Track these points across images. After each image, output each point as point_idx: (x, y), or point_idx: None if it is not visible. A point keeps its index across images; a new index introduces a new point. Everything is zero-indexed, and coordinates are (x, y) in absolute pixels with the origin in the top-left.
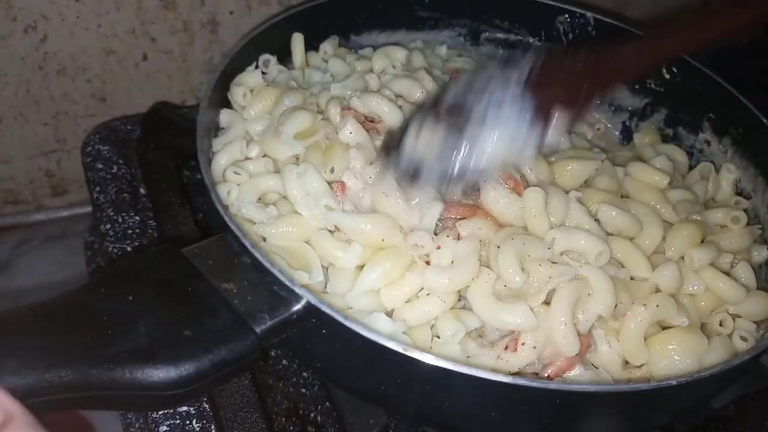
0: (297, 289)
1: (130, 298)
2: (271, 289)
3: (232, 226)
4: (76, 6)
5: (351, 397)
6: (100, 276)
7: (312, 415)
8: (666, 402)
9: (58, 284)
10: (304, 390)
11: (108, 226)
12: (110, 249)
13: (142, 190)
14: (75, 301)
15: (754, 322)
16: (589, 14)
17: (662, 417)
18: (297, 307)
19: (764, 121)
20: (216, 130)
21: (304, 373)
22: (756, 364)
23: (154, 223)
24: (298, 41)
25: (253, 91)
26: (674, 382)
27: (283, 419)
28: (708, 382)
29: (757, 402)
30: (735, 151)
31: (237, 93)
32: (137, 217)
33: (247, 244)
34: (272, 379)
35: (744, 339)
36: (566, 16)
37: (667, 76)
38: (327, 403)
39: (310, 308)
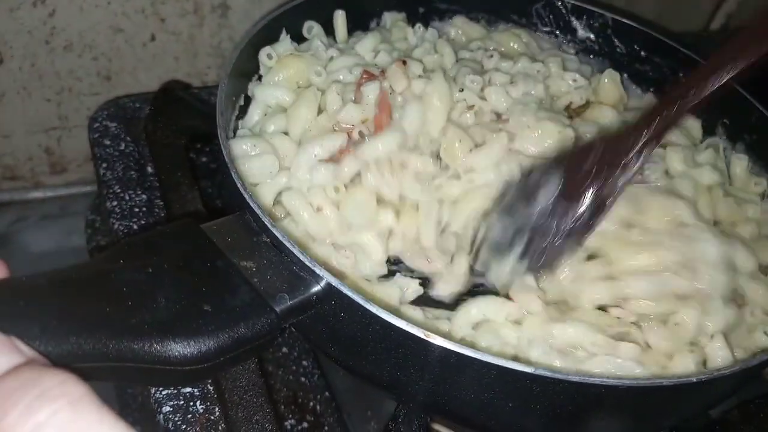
0: (317, 270)
1: (150, 270)
2: (291, 268)
3: (252, 204)
4: None
5: (350, 388)
6: (118, 247)
7: (311, 404)
8: (682, 400)
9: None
10: (303, 379)
11: (114, 203)
12: (116, 226)
13: (149, 169)
14: (94, 270)
15: None
16: (608, 14)
17: (672, 417)
18: (317, 287)
19: None
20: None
21: (304, 362)
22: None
23: (161, 202)
24: (340, 18)
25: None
26: (694, 379)
27: (282, 407)
28: (728, 381)
29: (760, 408)
30: (749, 157)
31: (262, 54)
32: (144, 196)
33: (267, 222)
34: (272, 366)
35: (767, 334)
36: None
37: (683, 80)
38: (326, 393)
39: (330, 289)
